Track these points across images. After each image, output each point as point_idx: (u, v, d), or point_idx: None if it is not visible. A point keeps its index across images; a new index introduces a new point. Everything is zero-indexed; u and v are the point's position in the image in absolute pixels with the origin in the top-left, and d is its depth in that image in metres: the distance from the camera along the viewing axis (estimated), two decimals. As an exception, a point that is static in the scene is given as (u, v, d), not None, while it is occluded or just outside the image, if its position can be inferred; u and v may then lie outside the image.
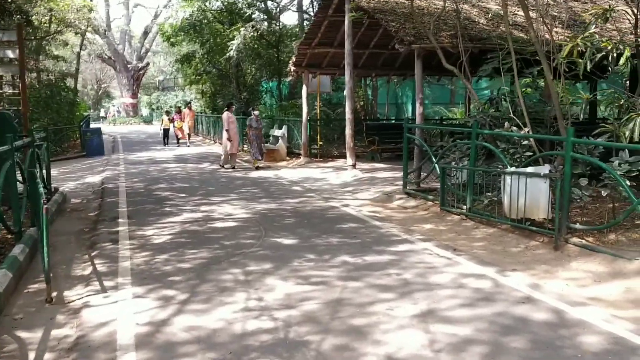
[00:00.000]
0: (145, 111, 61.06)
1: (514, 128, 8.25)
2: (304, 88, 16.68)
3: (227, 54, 21.82)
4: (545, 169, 7.07)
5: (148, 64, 55.70)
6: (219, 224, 8.44)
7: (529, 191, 7.06)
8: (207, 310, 4.84)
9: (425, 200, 9.86)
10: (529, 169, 7.26)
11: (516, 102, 8.98)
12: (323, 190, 11.84)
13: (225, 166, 15.78)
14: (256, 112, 16.14)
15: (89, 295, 5.31)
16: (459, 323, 4.48)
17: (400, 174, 13.06)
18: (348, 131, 13.75)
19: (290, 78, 27.81)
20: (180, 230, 8.04)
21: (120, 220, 8.89)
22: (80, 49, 37.19)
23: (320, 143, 17.65)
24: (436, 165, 9.55)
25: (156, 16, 48.22)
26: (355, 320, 4.56)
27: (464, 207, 8.54)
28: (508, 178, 7.44)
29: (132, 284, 5.58)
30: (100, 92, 69.77)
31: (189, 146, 24.17)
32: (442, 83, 26.45)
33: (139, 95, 59.26)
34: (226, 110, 15.68)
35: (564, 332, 4.32)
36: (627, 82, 24.87)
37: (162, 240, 7.50)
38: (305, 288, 5.38)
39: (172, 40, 28.53)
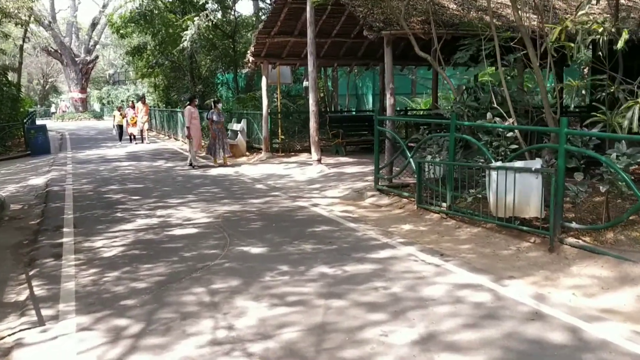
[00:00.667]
0: (97, 106, 58.85)
1: (497, 119, 7.68)
2: (264, 79, 15.85)
3: (181, 45, 20.70)
4: (537, 163, 6.50)
5: (97, 57, 53.59)
6: (177, 231, 7.60)
7: (518, 188, 6.49)
8: (167, 345, 4.05)
9: (400, 197, 9.25)
10: (518, 163, 6.68)
11: (496, 91, 8.41)
12: (289, 188, 11.09)
13: (194, 164, 14.74)
14: (219, 105, 15.26)
15: (23, 329, 4.44)
16: (468, 351, 3.83)
17: (368, 169, 12.48)
18: (312, 124, 13.02)
19: (246, 70, 27.05)
20: (133, 240, 7.17)
21: (65, 229, 7.94)
22: (23, 41, 35.22)
23: (282, 137, 16.86)
24: (411, 160, 8.93)
25: (104, 7, 46.15)
26: (346, 352, 3.86)
27: (444, 204, 7.95)
28: (494, 173, 6.84)
29: (77, 312, 4.73)
30: (47, 87, 67.00)
31: (143, 143, 22.92)
32: (403, 73, 25.95)
33: (88, 89, 57.05)
34: (188, 105, 14.66)
35: (588, 357, 3.72)
36: (586, 69, 24.97)
37: (113, 253, 6.62)
38: (281, 310, 4.65)
39: (121, 31, 27.09)
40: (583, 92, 9.18)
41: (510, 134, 7.38)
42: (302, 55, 16.14)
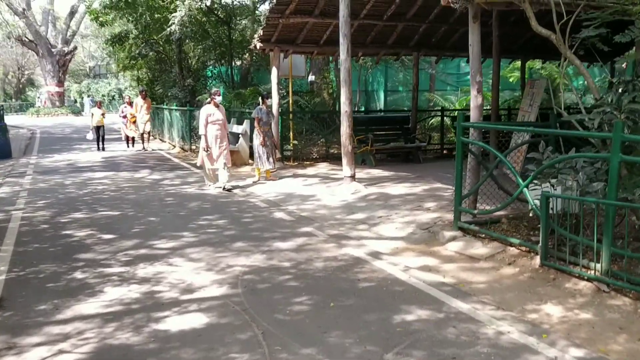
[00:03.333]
0: (87, 101, 54.98)
1: None
2: (274, 71, 12.70)
3: (168, 29, 17.49)
4: None
5: (75, 47, 49.82)
6: (172, 322, 4.47)
7: None
8: None
9: (502, 243, 6.22)
10: None
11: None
12: (322, 220, 8.02)
13: (213, 185, 10.57)
14: (268, 101, 11.56)
15: None
16: None
17: (419, 189, 9.59)
18: (345, 129, 9.93)
19: (240, 63, 23.82)
20: (97, 348, 4.03)
21: (-16, 312, 4.78)
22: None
23: (294, 142, 13.75)
24: (526, 190, 5.89)
25: (83, -6, 42.54)
26: None
27: (592, 265, 4.96)
28: None
29: None
30: (23, 79, 63.10)
31: (146, 150, 18.21)
32: (421, 67, 22.97)
33: (67, 83, 53.32)
34: (207, 103, 10.43)
35: None
36: None
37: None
38: None
39: (100, 19, 23.78)
40: None
41: None
42: (322, 41, 13.05)
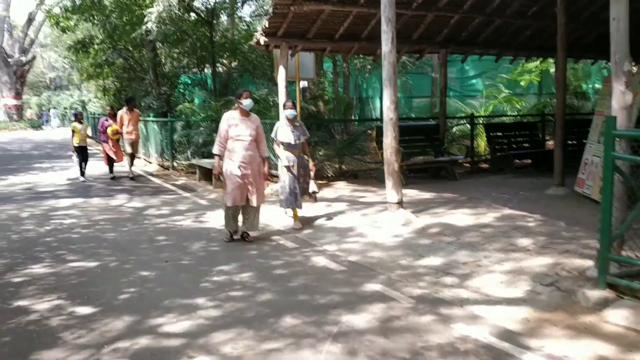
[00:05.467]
0: (57, 114, 51.40)
1: None
2: (282, 72, 10.38)
3: (143, 28, 15.05)
4: None
5: (34, 57, 46.65)
6: None
7: None
8: None
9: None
10: None
11: None
12: (384, 268, 5.75)
13: (229, 236, 7.15)
14: (289, 112, 7.59)
15: None
16: None
17: (488, 218, 7.27)
18: (390, 142, 7.70)
19: (220, 68, 21.39)
20: None
21: None
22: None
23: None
24: None
25: (42, 0, 39.39)
26: None
27: None
28: None
29: None
30: (-22, 92, 59.10)
31: (132, 178, 13.48)
32: (423, 70, 21.02)
33: (25, 95, 49.85)
34: (233, 109, 7.17)
35: None
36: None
37: None
38: None
39: (61, 24, 21.14)
40: None
41: None
42: (337, 35, 10.81)
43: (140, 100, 20.42)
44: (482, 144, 14.30)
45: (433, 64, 20.81)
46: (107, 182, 12.91)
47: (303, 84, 18.65)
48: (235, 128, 6.82)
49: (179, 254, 6.54)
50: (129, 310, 4.68)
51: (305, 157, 7.73)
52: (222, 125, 6.90)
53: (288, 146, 7.46)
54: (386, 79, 7.69)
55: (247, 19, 20.58)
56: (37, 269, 5.98)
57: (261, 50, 18.53)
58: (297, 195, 7.49)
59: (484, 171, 12.75)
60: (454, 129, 14.42)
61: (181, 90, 20.86)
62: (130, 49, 21.24)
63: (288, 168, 7.42)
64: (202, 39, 18.66)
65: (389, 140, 7.68)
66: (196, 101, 20.24)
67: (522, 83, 19.67)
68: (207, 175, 12.06)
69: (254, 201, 6.94)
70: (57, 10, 21.18)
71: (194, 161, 13.00)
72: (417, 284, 5.24)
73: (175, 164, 14.90)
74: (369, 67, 19.47)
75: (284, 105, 7.90)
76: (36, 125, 42.93)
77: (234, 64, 20.38)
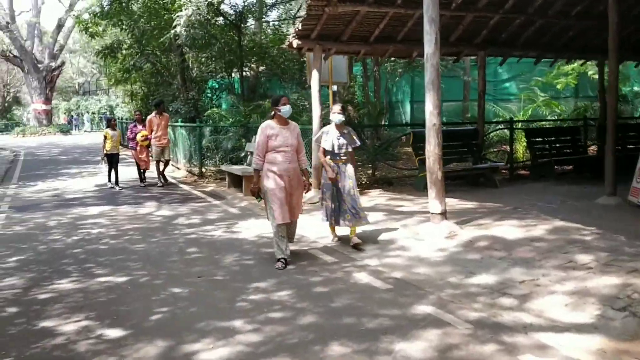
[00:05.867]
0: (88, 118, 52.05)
1: None
2: (315, 76, 10.01)
3: (172, 31, 14.86)
4: None
5: (64, 63, 47.06)
6: None
7: None
8: None
9: None
10: None
11: None
12: (432, 286, 5.31)
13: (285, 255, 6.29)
14: (339, 117, 6.88)
15: None
16: None
17: (539, 231, 6.78)
18: (432, 149, 7.26)
19: (247, 73, 21.12)
20: None
21: None
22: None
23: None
24: None
25: (71, 6, 39.74)
26: None
27: None
28: None
29: None
30: (9, 98, 60.12)
31: (161, 185, 13.00)
32: (454, 74, 20.47)
33: (54, 101, 50.40)
34: (269, 118, 6.51)
35: None
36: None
37: None
38: None
39: (90, 29, 21.13)
40: None
41: None
42: (372, 38, 10.41)
43: (167, 105, 20.27)
44: (520, 149, 13.75)
45: (465, 66, 20.26)
46: (136, 189, 12.67)
47: (333, 88, 18.32)
48: (276, 139, 6.21)
49: (212, 268, 6.19)
50: (162, 334, 4.32)
51: (350, 167, 6.91)
52: (261, 137, 6.21)
53: (331, 154, 6.91)
54: (429, 83, 7.24)
55: (274, 22, 20.19)
56: (64, 284, 5.67)
57: (290, 54, 18.29)
58: (340, 210, 6.79)
59: (524, 178, 12.19)
60: (492, 134, 13.87)
61: (208, 95, 20.67)
62: (158, 53, 21.16)
63: (332, 179, 6.83)
64: (230, 43, 18.42)
65: (432, 147, 7.24)
66: (223, 106, 20.04)
67: (558, 86, 19.01)
68: (237, 182, 11.75)
69: (295, 214, 6.48)
70: (86, 16, 21.20)
71: (223, 167, 12.68)
72: (472, 306, 4.79)
73: (204, 169, 14.63)
74: (399, 70, 18.97)
75: (331, 110, 7.15)
76: (65, 130, 43.30)
77: (261, 68, 20.13)
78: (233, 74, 21.18)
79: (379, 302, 4.97)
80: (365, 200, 9.67)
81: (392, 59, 18.52)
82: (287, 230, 6.36)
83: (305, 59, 12.04)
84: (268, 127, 6.27)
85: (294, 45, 9.76)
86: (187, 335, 4.27)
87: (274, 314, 4.73)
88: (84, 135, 42.85)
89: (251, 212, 9.43)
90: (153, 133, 12.89)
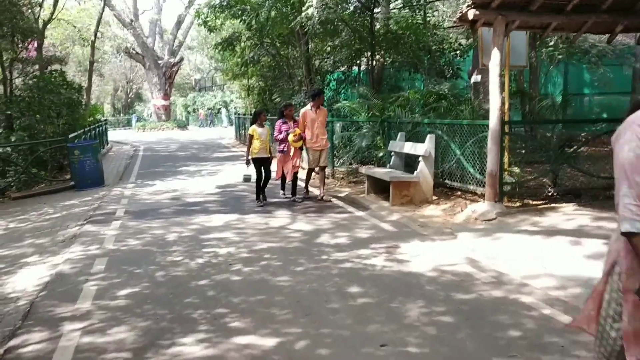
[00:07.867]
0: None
1: None
2: (494, 54, 7.73)
3: (304, 14, 13.14)
4: None
5: (182, 59, 47.67)
6: None
7: None
8: None
9: None
10: None
11: None
12: None
13: None
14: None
15: None
16: None
17: None
18: None
19: (375, 62, 19.00)
20: None
21: None
22: (95, 36, 29.27)
23: (515, 169, 8.74)
24: None
25: (191, 3, 39.84)
26: None
27: None
28: None
29: None
30: (131, 94, 62.53)
31: (300, 200, 9.90)
32: (615, 62, 17.24)
33: (172, 97, 51.35)
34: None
35: None
36: None
37: None
38: None
39: (209, 23, 20.05)
40: None
41: None
42: (569, 6, 7.93)
43: (288, 99, 18.70)
44: None
45: (636, 52, 16.96)
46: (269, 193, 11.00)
47: (475, 78, 15.78)
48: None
49: (394, 326, 4.20)
50: None
51: None
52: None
53: None
54: None
55: (412, 5, 17.87)
56: (190, 347, 3.92)
57: (426, 44, 16.06)
58: None
59: None
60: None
61: (333, 88, 18.90)
62: (278, 44, 19.72)
63: None
64: (361, 29, 16.47)
65: None
66: (344, 99, 18.10)
67: None
68: (378, 187, 9.79)
69: None
70: (205, 10, 20.26)
71: (363, 170, 10.74)
72: None
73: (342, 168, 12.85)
74: (559, 56, 16.11)
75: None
76: (182, 125, 43.77)
77: (387, 58, 18.04)
78: (355, 66, 19.27)
79: None
80: (561, 220, 7.31)
81: (551, 42, 15.78)
82: None
83: (478, 37, 9.66)
84: None
85: (470, 16, 7.54)
86: None
87: None
88: (200, 130, 43.09)
89: (410, 230, 7.39)
90: (309, 131, 9.93)
